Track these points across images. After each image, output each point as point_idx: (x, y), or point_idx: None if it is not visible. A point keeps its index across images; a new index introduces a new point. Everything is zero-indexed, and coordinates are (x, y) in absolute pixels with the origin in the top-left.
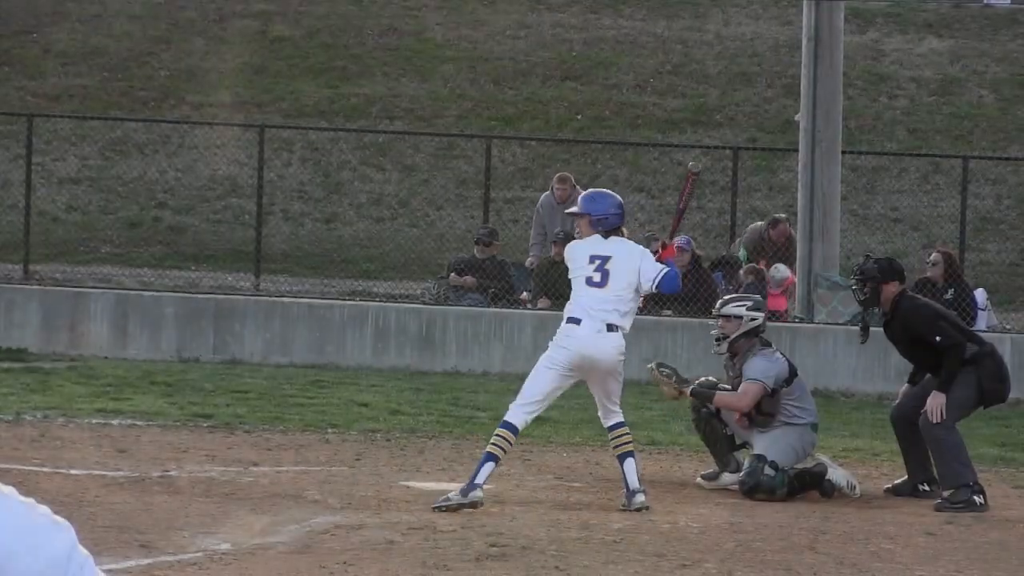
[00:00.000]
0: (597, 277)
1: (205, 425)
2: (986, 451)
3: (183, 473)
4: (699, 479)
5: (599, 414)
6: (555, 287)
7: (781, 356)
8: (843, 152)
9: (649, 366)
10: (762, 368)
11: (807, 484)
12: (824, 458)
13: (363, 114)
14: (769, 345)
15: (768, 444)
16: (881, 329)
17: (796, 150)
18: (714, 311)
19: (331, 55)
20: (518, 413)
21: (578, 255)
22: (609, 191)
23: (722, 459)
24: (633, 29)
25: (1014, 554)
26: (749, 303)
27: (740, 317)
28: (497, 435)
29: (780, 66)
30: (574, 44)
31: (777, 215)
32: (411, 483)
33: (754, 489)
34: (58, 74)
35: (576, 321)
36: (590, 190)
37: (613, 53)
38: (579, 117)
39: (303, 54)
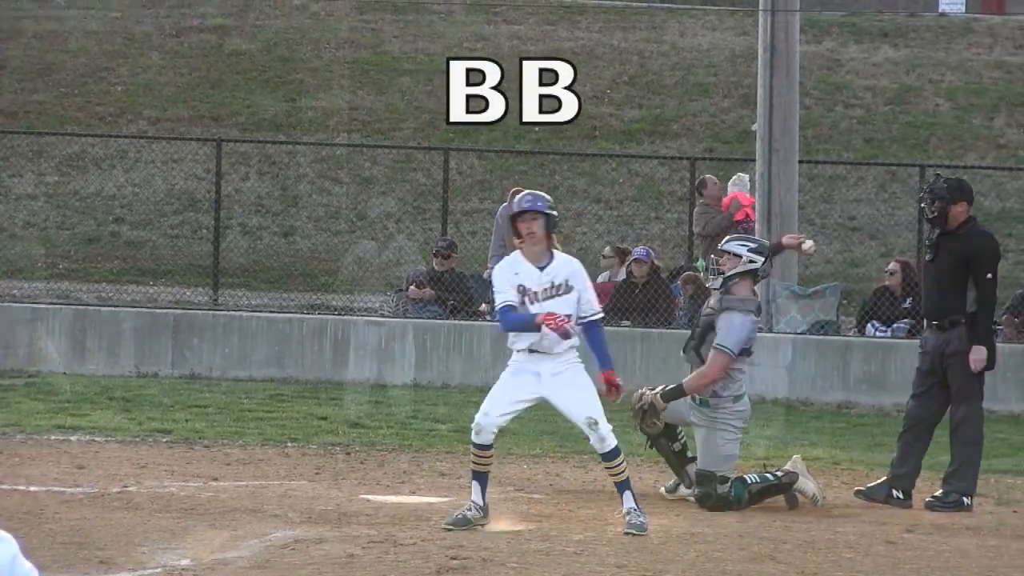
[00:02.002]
0: None
1: (164, 440)
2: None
3: (142, 489)
4: (661, 489)
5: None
6: None
7: (756, 321)
8: (800, 161)
9: (641, 392)
10: (737, 337)
11: (772, 495)
12: (799, 466)
13: (320, 127)
14: (758, 311)
15: (707, 454)
16: (837, 337)
17: (753, 160)
18: (719, 246)
19: (288, 68)
20: None
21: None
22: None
23: (678, 473)
24: (590, 40)
25: (974, 561)
26: (753, 244)
27: (740, 256)
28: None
29: (736, 76)
30: (531, 56)
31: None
32: (371, 496)
33: (713, 508)
34: (14, 90)
35: None
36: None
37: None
38: (536, 129)
39: (260, 67)
